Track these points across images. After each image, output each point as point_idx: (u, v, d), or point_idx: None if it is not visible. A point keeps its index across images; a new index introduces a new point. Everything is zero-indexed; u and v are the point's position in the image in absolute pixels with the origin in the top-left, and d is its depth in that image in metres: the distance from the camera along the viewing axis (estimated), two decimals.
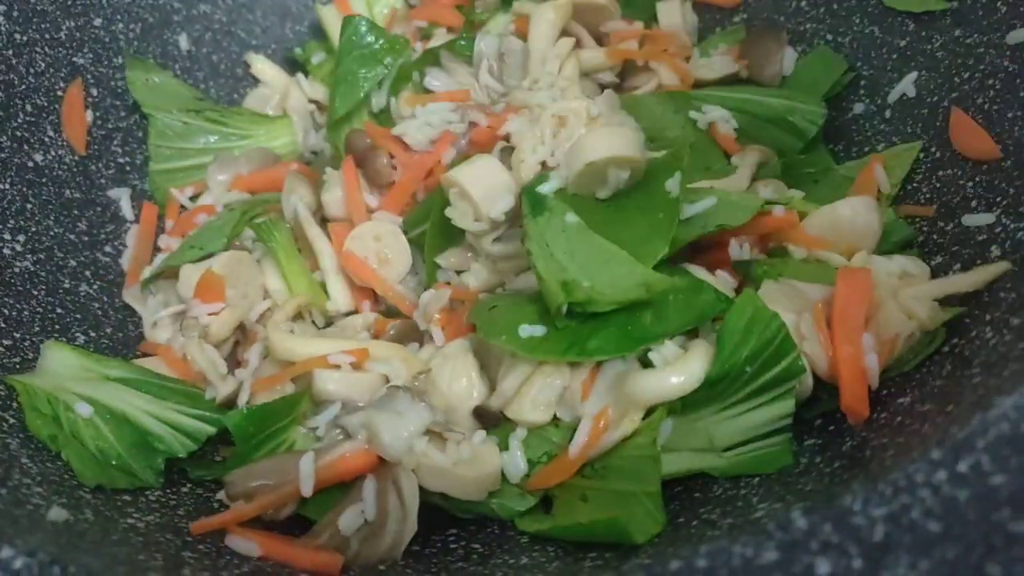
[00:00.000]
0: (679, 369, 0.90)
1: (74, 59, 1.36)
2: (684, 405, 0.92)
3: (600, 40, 1.47)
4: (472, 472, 0.95)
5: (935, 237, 1.06)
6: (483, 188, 1.08)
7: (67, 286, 1.24)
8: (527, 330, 0.95)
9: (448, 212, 1.11)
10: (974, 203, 1.02)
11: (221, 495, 1.03)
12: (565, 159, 1.06)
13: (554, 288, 0.93)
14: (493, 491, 0.98)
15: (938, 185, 1.10)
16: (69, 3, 1.35)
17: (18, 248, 1.19)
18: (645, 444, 0.91)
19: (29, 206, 1.23)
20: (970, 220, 1.01)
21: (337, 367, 1.05)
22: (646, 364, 0.95)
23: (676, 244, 0.97)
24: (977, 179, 1.03)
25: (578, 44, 1.41)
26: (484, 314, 1.01)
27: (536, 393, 0.97)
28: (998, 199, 0.99)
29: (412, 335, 1.16)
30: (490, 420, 1.00)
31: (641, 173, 1.03)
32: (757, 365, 0.90)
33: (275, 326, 1.13)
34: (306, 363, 1.05)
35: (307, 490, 0.95)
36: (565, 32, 1.42)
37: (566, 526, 0.91)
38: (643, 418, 0.93)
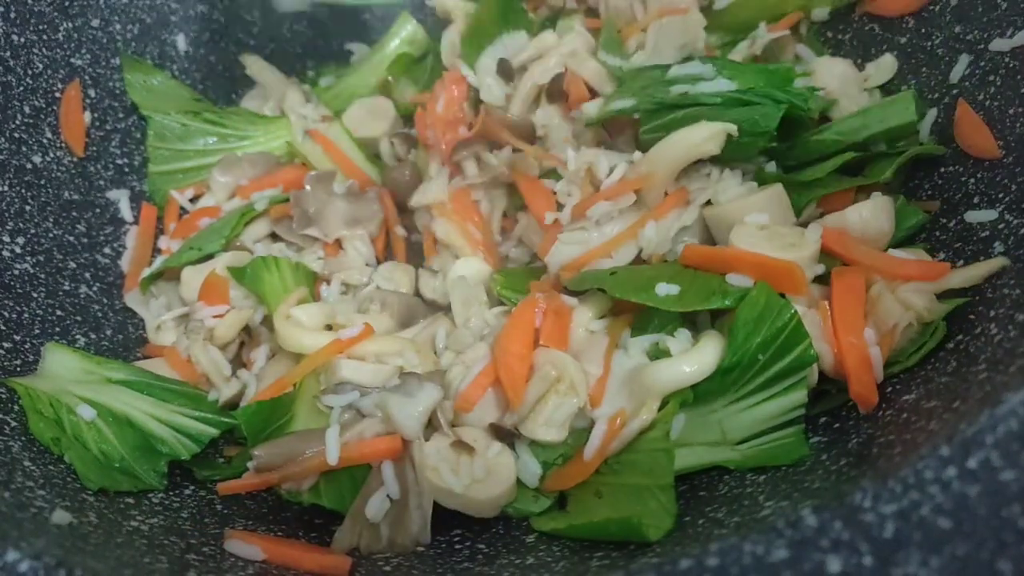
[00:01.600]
0: (692, 357, 0.92)
1: (72, 60, 1.35)
2: (697, 396, 0.92)
3: None
4: (485, 494, 0.95)
5: (937, 234, 1.06)
6: None
7: (67, 288, 1.24)
8: (664, 288, 0.97)
9: None
10: (976, 199, 1.03)
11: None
12: None
13: None
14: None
15: (939, 182, 1.10)
16: (66, 4, 1.34)
17: (17, 250, 1.19)
18: (658, 438, 0.91)
19: (28, 208, 1.23)
20: (973, 217, 1.02)
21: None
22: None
23: None
24: (979, 175, 1.04)
25: None
26: (608, 278, 1.03)
27: (550, 412, 0.97)
28: (1000, 195, 0.99)
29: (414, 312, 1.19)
30: (504, 437, 0.99)
31: None
32: (769, 354, 0.91)
33: (281, 317, 1.11)
34: (314, 358, 1.05)
35: (333, 458, 0.94)
36: None
37: (580, 524, 0.91)
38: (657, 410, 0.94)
